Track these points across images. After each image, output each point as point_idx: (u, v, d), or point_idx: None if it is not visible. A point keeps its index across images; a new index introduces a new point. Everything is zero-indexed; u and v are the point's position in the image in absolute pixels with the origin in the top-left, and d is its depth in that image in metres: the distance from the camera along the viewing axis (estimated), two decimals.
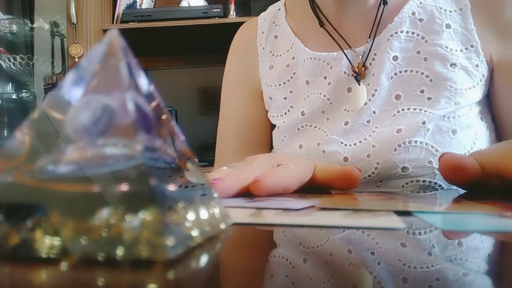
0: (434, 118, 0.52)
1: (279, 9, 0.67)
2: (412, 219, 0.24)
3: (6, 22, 1.82)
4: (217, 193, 0.32)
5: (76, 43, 1.63)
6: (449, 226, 0.21)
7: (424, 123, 0.52)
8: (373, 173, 0.53)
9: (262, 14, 0.69)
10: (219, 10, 1.63)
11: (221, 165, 0.67)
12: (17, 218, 0.16)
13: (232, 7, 1.67)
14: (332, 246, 0.18)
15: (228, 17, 1.66)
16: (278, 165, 0.38)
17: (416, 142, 0.51)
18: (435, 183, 0.52)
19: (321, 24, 0.60)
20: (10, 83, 1.88)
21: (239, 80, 0.69)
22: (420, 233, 0.21)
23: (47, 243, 0.15)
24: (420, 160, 0.51)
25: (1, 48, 1.81)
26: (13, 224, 0.16)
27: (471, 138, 0.52)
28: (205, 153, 1.66)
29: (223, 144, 0.70)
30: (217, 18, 1.63)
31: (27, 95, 1.86)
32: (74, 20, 1.62)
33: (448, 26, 0.54)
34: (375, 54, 0.56)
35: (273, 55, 0.65)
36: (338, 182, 0.38)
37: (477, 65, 0.53)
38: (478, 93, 0.54)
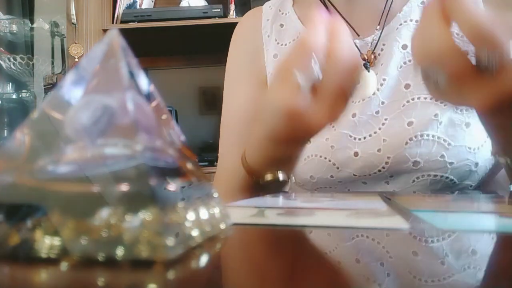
0: (447, 110, 0.50)
1: None
2: (412, 219, 0.24)
3: (6, 22, 1.82)
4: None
5: (76, 43, 1.63)
6: (449, 226, 0.21)
7: (436, 115, 0.50)
8: (383, 167, 0.52)
9: (268, 3, 0.66)
10: (219, 10, 1.64)
11: (226, 157, 0.62)
12: (17, 218, 0.16)
13: (232, 7, 1.67)
14: (333, 246, 0.18)
15: (228, 17, 1.66)
16: None
17: (428, 135, 0.50)
18: (447, 177, 0.50)
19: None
20: (10, 83, 1.88)
21: (244, 68, 0.65)
22: (423, 234, 0.20)
23: (47, 243, 0.15)
24: (431, 154, 0.50)
25: (1, 48, 1.81)
26: (13, 224, 0.16)
27: (484, 132, 0.50)
28: (205, 153, 1.66)
29: (228, 134, 0.64)
30: (217, 18, 1.63)
31: (27, 95, 1.86)
32: (74, 20, 1.62)
33: None
34: (383, 44, 0.55)
35: (278, 43, 0.63)
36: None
37: None
38: None
